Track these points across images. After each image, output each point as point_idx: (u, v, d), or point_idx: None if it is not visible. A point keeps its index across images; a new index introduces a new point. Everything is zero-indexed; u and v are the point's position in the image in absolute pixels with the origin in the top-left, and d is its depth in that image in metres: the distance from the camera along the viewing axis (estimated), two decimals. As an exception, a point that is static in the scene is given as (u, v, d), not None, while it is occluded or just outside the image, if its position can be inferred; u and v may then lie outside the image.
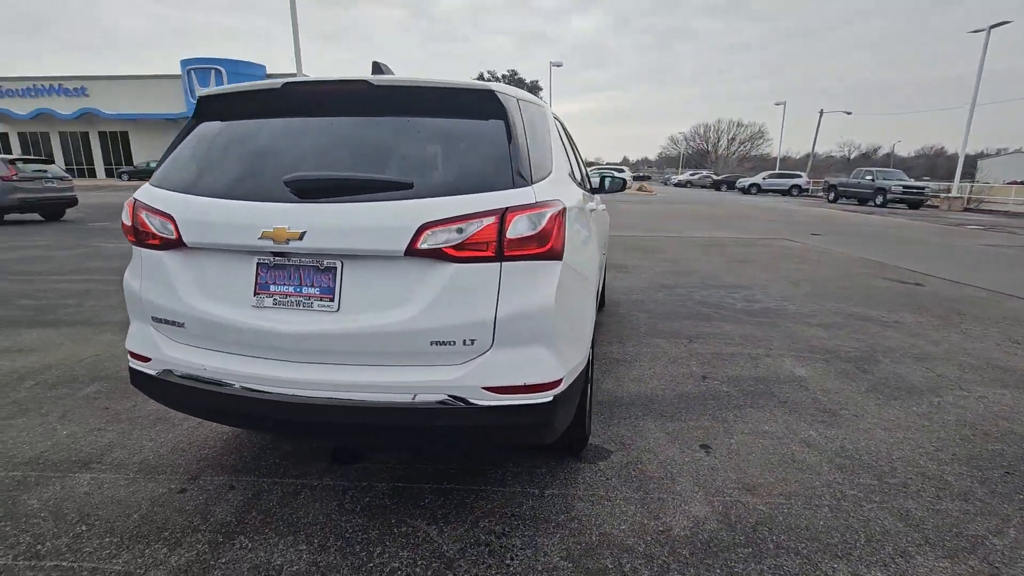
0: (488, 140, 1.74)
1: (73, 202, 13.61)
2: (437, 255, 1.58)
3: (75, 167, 41.36)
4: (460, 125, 1.77)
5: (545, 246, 1.66)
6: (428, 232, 1.57)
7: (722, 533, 1.89)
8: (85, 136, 40.81)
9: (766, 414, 2.83)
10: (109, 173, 40.56)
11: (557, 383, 1.72)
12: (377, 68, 2.11)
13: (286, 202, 1.64)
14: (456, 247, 1.57)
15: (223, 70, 35.50)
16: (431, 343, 1.62)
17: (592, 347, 2.29)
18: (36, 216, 12.92)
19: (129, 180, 37.04)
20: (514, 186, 1.66)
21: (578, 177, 2.77)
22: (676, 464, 2.33)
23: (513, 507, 2.01)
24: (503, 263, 1.62)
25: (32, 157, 14.21)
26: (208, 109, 1.95)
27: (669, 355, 3.71)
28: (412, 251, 1.57)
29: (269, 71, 39.42)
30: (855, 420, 2.77)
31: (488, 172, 1.67)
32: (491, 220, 1.58)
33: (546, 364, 1.70)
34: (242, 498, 2.04)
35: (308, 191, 1.63)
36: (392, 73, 2.12)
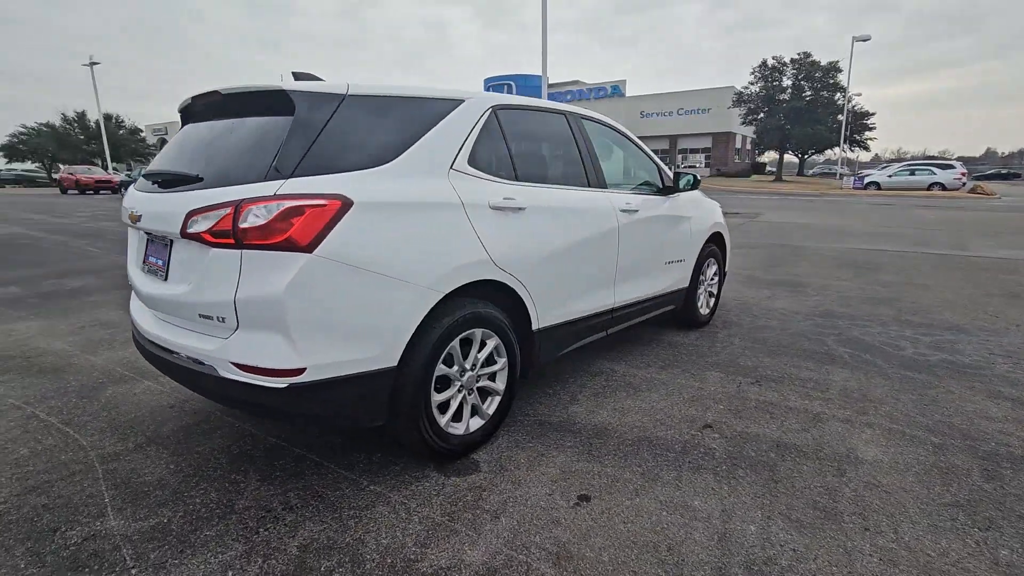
0: (267, 136, 1.87)
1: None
2: (199, 239, 1.80)
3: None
4: (260, 124, 1.93)
5: (278, 237, 1.71)
6: (192, 219, 1.80)
7: (463, 587, 1.61)
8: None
9: (720, 486, 2.11)
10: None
11: (295, 372, 1.76)
12: (297, 76, 2.39)
13: (149, 192, 2.10)
14: (210, 233, 1.77)
15: (513, 84, 40.53)
16: (199, 316, 1.86)
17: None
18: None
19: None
20: (266, 179, 1.76)
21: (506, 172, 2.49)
22: (518, 503, 2.00)
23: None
24: (243, 250, 1.74)
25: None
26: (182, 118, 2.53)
27: (702, 392, 3.00)
28: (185, 235, 1.83)
29: (559, 80, 43.37)
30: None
31: (255, 165, 1.81)
32: (227, 211, 1.72)
33: (281, 351, 1.75)
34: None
35: (155, 183, 2.05)
36: (318, 80, 2.37)
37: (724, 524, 1.90)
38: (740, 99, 37.98)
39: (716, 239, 4.33)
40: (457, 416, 2.29)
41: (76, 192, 28.71)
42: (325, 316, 1.80)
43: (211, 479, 2.17)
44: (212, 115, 2.18)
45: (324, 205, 1.77)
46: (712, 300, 4.39)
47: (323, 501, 2.02)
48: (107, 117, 44.52)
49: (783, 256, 7.82)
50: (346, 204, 1.82)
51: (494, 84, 42.01)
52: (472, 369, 2.31)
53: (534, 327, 2.58)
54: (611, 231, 3.02)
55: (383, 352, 1.93)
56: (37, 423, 2.66)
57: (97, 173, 30.46)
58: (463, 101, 2.39)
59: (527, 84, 41.91)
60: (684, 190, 3.72)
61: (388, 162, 2.02)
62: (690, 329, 4.20)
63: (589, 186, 2.98)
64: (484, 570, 1.67)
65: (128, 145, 44.36)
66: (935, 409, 2.79)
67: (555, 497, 2.05)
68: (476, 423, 2.36)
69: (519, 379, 2.86)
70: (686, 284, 3.93)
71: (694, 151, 45.50)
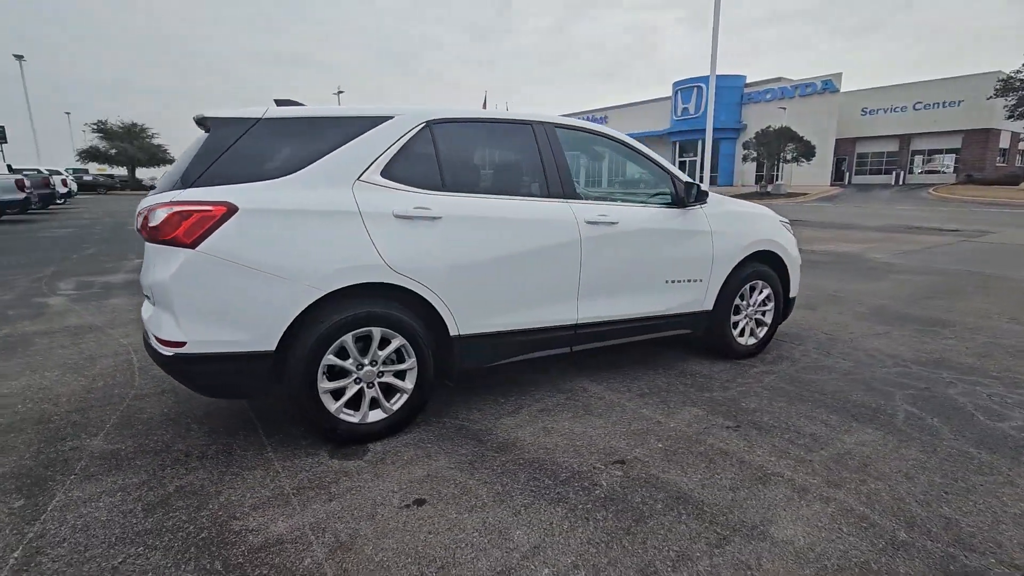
0: (191, 153, 2.30)
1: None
2: (141, 235, 2.33)
3: (589, 179, 53.95)
4: (195, 142, 2.38)
5: (169, 235, 2.12)
6: (137, 218, 2.33)
7: None
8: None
9: (562, 523, 1.94)
10: (610, 183, 50.80)
11: (178, 344, 2.16)
12: (279, 102, 2.84)
13: None
14: (142, 229, 2.27)
15: (703, 86, 38.18)
16: (144, 295, 2.39)
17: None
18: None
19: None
20: (173, 188, 2.20)
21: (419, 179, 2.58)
22: (359, 493, 2.12)
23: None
24: (153, 244, 2.20)
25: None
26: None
27: (656, 427, 2.69)
28: (141, 227, 2.36)
29: (759, 78, 39.86)
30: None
31: (174, 177, 2.27)
32: (145, 213, 2.20)
33: (169, 326, 2.18)
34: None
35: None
36: (297, 104, 2.80)
37: (520, 559, 1.77)
38: (1007, 87, 29.94)
39: (768, 259, 3.72)
40: (356, 406, 2.49)
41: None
42: (204, 301, 2.17)
43: (181, 424, 2.74)
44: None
45: (210, 210, 2.15)
46: (763, 330, 3.78)
47: (229, 457, 2.42)
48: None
49: (955, 286, 6.16)
50: (231, 210, 2.17)
51: (682, 88, 40.17)
52: (372, 364, 2.49)
53: (452, 333, 2.64)
54: (569, 243, 2.88)
55: (258, 337, 2.24)
56: (127, 364, 3.61)
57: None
58: (391, 118, 2.58)
59: (719, 84, 39.13)
60: (691, 204, 3.31)
61: (291, 174, 2.33)
62: (723, 359, 3.69)
63: (549, 196, 2.90)
64: (273, 540, 1.86)
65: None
66: (954, 499, 2.08)
67: (395, 496, 2.12)
68: (376, 415, 2.53)
69: (446, 382, 2.94)
70: (705, 307, 3.47)
71: (935, 153, 37.24)
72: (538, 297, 2.85)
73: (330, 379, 2.41)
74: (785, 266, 3.82)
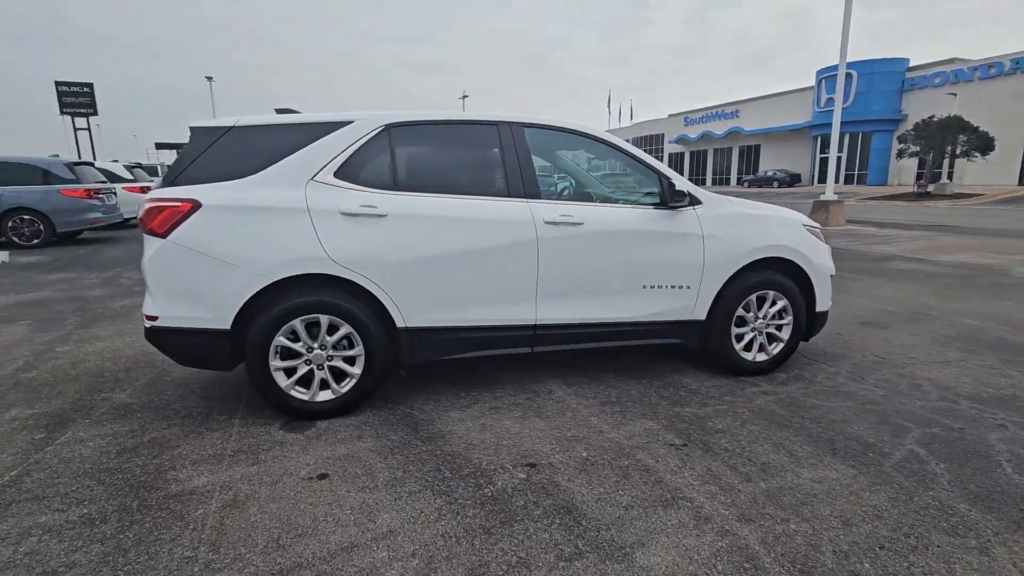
0: (177, 157, 2.69)
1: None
2: None
3: (718, 177, 50.70)
4: (185, 148, 2.77)
5: (149, 225, 2.53)
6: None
7: None
8: (729, 151, 49.02)
9: (431, 513, 1.98)
10: (739, 182, 47.24)
11: (153, 317, 2.57)
12: (279, 111, 3.21)
13: None
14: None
15: (854, 73, 33.89)
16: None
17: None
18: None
19: (749, 187, 42.19)
20: (159, 187, 2.60)
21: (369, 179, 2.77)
22: (277, 461, 2.35)
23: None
24: (143, 233, 2.63)
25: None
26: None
27: (593, 436, 2.59)
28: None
29: (925, 60, 34.73)
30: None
31: (165, 176, 2.67)
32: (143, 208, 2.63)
33: (146, 302, 2.60)
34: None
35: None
36: (294, 112, 3.15)
37: (370, 539, 1.86)
38: None
39: (785, 267, 3.33)
40: (308, 385, 2.74)
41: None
42: (172, 282, 2.55)
43: (188, 388, 3.22)
44: None
45: (178, 205, 2.52)
46: (778, 346, 3.40)
47: (205, 420, 2.80)
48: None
49: (1109, 312, 4.89)
50: (196, 205, 2.53)
51: (826, 77, 36.02)
52: (322, 349, 2.72)
53: (399, 325, 2.78)
54: (526, 243, 2.87)
55: (216, 316, 2.57)
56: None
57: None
58: (350, 123, 2.79)
59: (873, 70, 34.54)
60: (678, 205, 3.07)
61: (254, 175, 2.63)
62: (726, 375, 3.38)
63: (509, 196, 2.90)
64: (187, 491, 2.16)
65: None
66: (885, 557, 1.76)
67: (306, 468, 2.32)
68: (326, 395, 2.76)
69: (397, 371, 3.06)
70: (696, 316, 3.21)
71: None
72: (491, 295, 2.88)
73: (283, 359, 2.69)
74: (808, 277, 3.38)
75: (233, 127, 2.71)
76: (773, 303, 3.34)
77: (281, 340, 2.65)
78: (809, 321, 3.47)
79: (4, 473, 2.29)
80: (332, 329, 2.71)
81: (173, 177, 2.62)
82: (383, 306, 2.75)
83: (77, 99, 39.44)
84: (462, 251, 2.79)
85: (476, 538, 1.87)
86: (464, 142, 3.03)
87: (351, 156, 2.75)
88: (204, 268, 2.55)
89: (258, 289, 2.58)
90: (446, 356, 2.92)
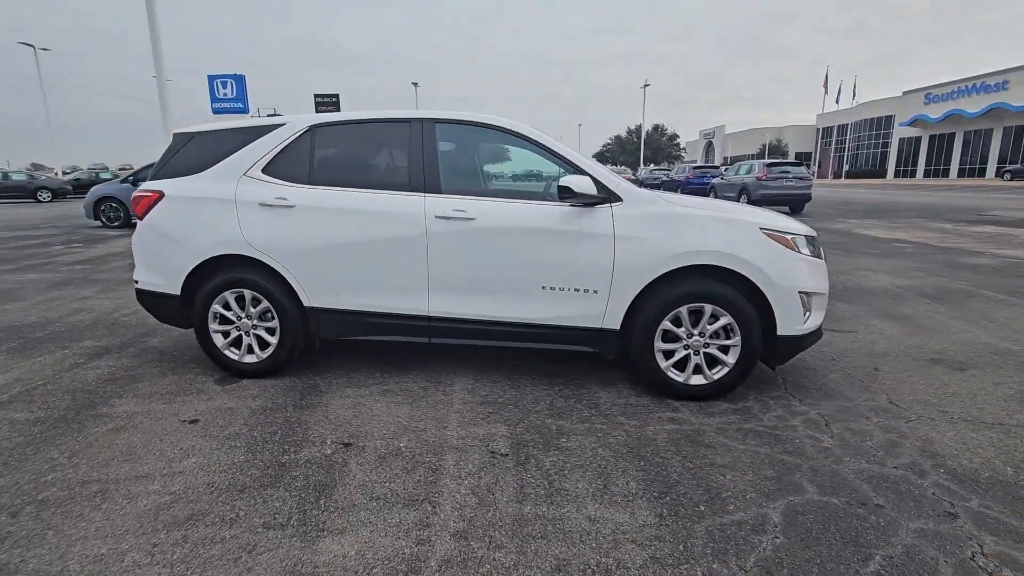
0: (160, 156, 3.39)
1: (806, 199, 15.81)
2: None
3: (967, 167, 40.47)
4: (166, 149, 3.45)
5: (133, 210, 3.26)
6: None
7: (95, 414, 2.83)
8: (986, 134, 38.70)
9: (236, 461, 2.28)
10: (999, 173, 37.07)
11: (136, 281, 3.33)
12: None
13: None
14: None
15: None
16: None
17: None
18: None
19: (1011, 180, 32.97)
20: (150, 180, 3.33)
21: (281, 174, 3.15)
22: (176, 405, 2.89)
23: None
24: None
25: (781, 160, 17.32)
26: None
27: (433, 434, 2.61)
28: None
29: None
30: None
31: (151, 172, 3.39)
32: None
33: (135, 270, 3.35)
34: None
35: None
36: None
37: (165, 475, 2.24)
38: None
39: (736, 280, 2.80)
40: (239, 347, 3.27)
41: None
42: (145, 255, 3.27)
43: (170, 335, 4.03)
44: None
45: (150, 196, 3.21)
46: (722, 371, 2.89)
47: (170, 364, 3.52)
48: (656, 127, 54.64)
49: None
50: (161, 196, 3.19)
51: None
52: (248, 318, 3.21)
53: (305, 304, 3.12)
54: (416, 236, 2.94)
55: (169, 283, 3.22)
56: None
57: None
58: (282, 125, 3.19)
59: None
60: (590, 202, 2.80)
61: (202, 171, 3.21)
62: (653, 394, 3.00)
63: (410, 190, 3.01)
64: (106, 414, 2.80)
65: (665, 149, 53.24)
66: (545, 610, 1.53)
67: (193, 412, 2.82)
68: (251, 359, 3.25)
69: (313, 346, 3.36)
70: (609, 325, 2.90)
71: None
72: (384, 284, 3.04)
73: (220, 323, 3.24)
74: (763, 293, 2.79)
75: (197, 132, 3.33)
76: (713, 319, 2.84)
77: (217, 308, 3.20)
78: (770, 345, 2.87)
79: (32, 379, 3.26)
80: (256, 302, 3.18)
81: (155, 173, 3.34)
82: (291, 286, 3.12)
83: (327, 108, 48.94)
84: (358, 241, 3.01)
85: (228, 493, 2.12)
86: (378, 139, 3.21)
87: (277, 154, 3.16)
88: (163, 245, 3.22)
89: (196, 264, 3.15)
90: (347, 337, 3.18)
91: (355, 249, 3.02)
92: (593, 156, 65.66)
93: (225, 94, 31.16)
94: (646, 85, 45.30)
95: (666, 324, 2.86)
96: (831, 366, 3.47)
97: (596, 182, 2.86)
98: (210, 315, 3.21)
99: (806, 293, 2.84)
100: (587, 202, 2.86)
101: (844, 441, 2.49)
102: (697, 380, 2.91)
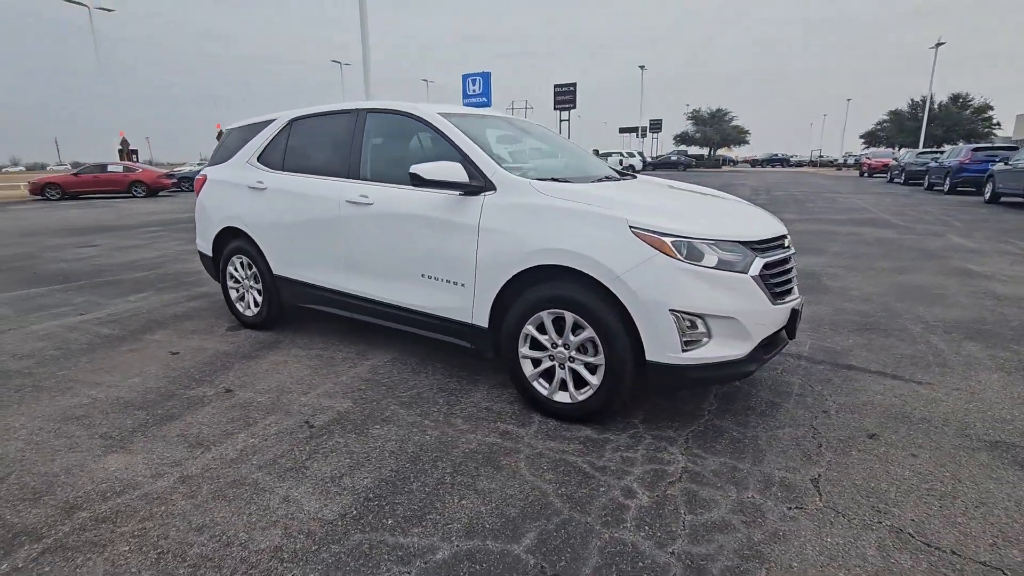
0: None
1: None
2: None
3: None
4: (219, 142, 4.32)
5: (195, 191, 4.26)
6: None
7: (139, 338, 3.90)
8: None
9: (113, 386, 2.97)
10: None
11: (197, 246, 4.35)
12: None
13: None
14: None
15: None
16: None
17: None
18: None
19: None
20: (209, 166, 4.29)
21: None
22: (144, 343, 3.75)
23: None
24: (205, 194, 4.40)
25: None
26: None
27: (301, 398, 2.89)
28: None
29: None
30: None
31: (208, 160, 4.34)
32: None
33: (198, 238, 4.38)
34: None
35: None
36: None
37: (111, 394, 3.04)
38: None
39: (593, 285, 2.37)
40: (245, 304, 4.04)
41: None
42: (198, 225, 4.23)
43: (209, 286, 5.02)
44: None
45: (200, 179, 4.16)
46: (587, 392, 2.47)
47: (194, 320, 4.50)
48: (955, 98, 42.54)
49: None
50: (205, 179, 4.11)
51: None
52: (246, 280, 3.94)
53: (273, 272, 3.68)
54: (333, 219, 3.21)
55: (206, 247, 4.13)
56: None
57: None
58: (275, 120, 3.76)
59: None
60: (467, 191, 2.66)
61: (230, 159, 4.01)
62: (524, 401, 2.73)
63: (348, 176, 3.25)
64: (143, 340, 3.83)
65: (965, 125, 40.99)
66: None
67: (181, 347, 3.64)
68: (249, 313, 3.98)
69: (299, 310, 3.89)
70: (476, 322, 2.72)
71: None
72: (319, 260, 3.39)
73: (232, 282, 4.06)
74: (627, 308, 2.28)
75: (232, 128, 4.15)
76: (579, 330, 2.45)
77: (230, 269, 4.01)
78: (638, 368, 2.34)
79: (116, 307, 4.58)
80: (248, 267, 3.88)
81: (210, 160, 4.30)
82: (265, 256, 3.72)
83: (565, 97, 51.26)
84: (300, 221, 3.43)
85: (116, 407, 2.78)
86: (332, 130, 3.49)
87: (267, 145, 3.76)
88: (204, 217, 4.15)
89: (216, 232, 3.99)
90: (301, 304, 3.63)
91: (299, 227, 3.45)
92: (861, 136, 54.53)
93: (474, 90, 35.28)
94: (939, 44, 35.21)
95: (530, 328, 2.57)
96: (811, 416, 2.59)
97: (471, 170, 2.70)
98: (226, 275, 4.04)
99: (689, 314, 2.22)
100: (466, 191, 2.73)
101: (660, 514, 1.93)
102: (561, 397, 2.55)
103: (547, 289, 2.48)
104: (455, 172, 2.66)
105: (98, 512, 1.93)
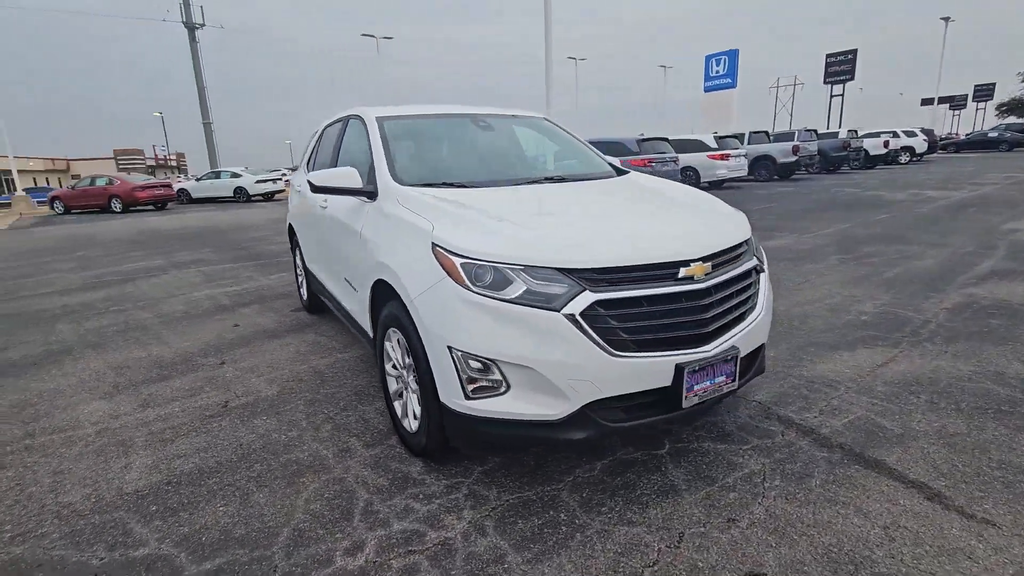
0: None
1: None
2: None
3: None
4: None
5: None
6: None
7: (236, 310, 4.89)
8: None
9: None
10: None
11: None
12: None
13: None
14: None
15: None
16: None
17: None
18: None
19: None
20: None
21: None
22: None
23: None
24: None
25: None
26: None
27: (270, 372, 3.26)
28: None
29: None
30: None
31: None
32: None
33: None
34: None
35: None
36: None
37: (166, 352, 3.92)
38: None
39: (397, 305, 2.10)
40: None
41: None
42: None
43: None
44: None
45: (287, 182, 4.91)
46: (415, 422, 2.22)
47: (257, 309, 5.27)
48: None
49: None
50: (290, 185, 4.85)
51: None
52: (299, 268, 4.55)
53: (305, 265, 4.17)
54: (315, 220, 3.48)
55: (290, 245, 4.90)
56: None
57: None
58: (318, 129, 4.21)
59: None
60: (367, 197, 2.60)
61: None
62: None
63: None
64: (226, 313, 4.78)
65: None
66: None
67: (246, 321, 4.42)
68: (304, 298, 4.60)
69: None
70: (368, 330, 2.66)
71: None
72: (315, 258, 3.73)
73: (298, 272, 4.73)
74: (417, 328, 1.95)
75: (323, 128, 4.76)
76: (396, 349, 2.24)
77: (296, 259, 4.69)
78: (440, 412, 1.98)
79: (256, 283, 5.67)
80: (300, 258, 4.48)
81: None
82: (302, 250, 4.23)
83: (840, 67, 43.21)
84: (304, 220, 3.83)
85: (157, 365, 3.57)
86: (332, 135, 3.69)
87: (310, 150, 4.24)
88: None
89: (288, 225, 4.69)
90: (321, 297, 4.02)
91: (304, 226, 3.85)
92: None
93: (717, 71, 32.65)
94: None
95: (387, 346, 2.41)
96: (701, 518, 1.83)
97: (371, 175, 2.63)
98: (294, 264, 4.74)
99: (473, 355, 1.79)
100: (368, 196, 2.66)
101: None
102: (408, 424, 2.33)
103: (392, 306, 2.28)
104: (349, 178, 2.62)
105: (44, 435, 2.57)
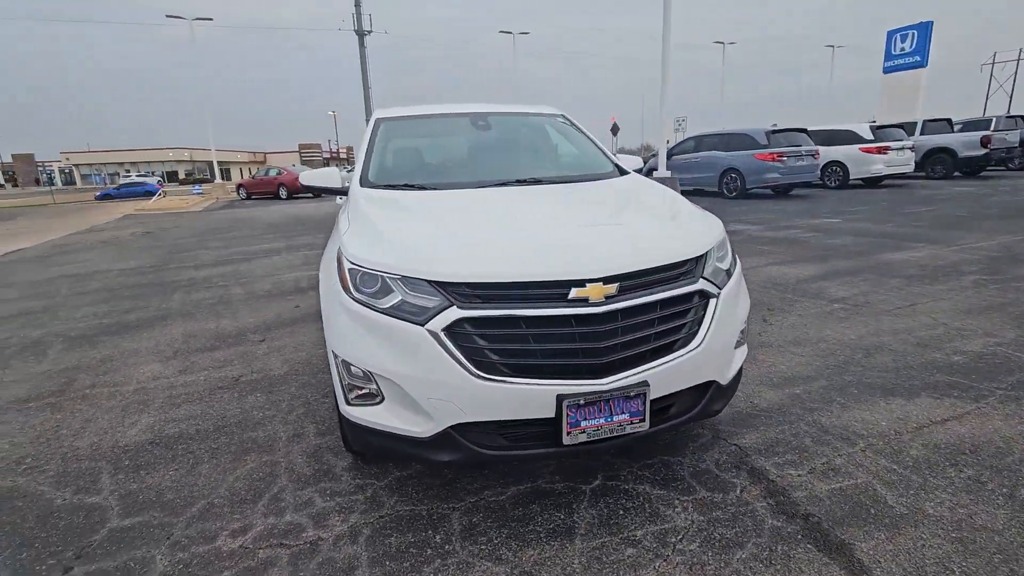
0: None
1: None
2: None
3: None
4: None
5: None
6: None
7: (308, 292, 5.40)
8: None
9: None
10: None
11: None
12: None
13: None
14: None
15: None
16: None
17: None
18: None
19: None
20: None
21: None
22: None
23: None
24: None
25: None
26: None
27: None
28: None
29: None
30: (178, 336, 4.17)
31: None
32: None
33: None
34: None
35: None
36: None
37: (223, 327, 4.49)
38: None
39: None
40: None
41: None
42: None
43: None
44: None
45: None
46: (347, 420, 2.27)
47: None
48: None
49: None
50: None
51: None
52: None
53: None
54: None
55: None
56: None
57: None
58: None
59: None
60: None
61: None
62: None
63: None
64: (297, 296, 5.29)
65: None
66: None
67: (301, 303, 4.88)
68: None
69: None
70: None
71: None
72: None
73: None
74: None
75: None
76: None
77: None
78: (339, 416, 2.00)
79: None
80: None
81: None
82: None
83: None
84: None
85: (210, 339, 4.12)
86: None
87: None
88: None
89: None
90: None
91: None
92: None
93: (902, 48, 28.05)
94: None
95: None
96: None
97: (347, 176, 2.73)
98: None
99: (350, 363, 1.79)
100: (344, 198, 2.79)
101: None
102: (347, 420, 2.40)
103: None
104: (330, 178, 2.75)
105: (100, 387, 3.12)
